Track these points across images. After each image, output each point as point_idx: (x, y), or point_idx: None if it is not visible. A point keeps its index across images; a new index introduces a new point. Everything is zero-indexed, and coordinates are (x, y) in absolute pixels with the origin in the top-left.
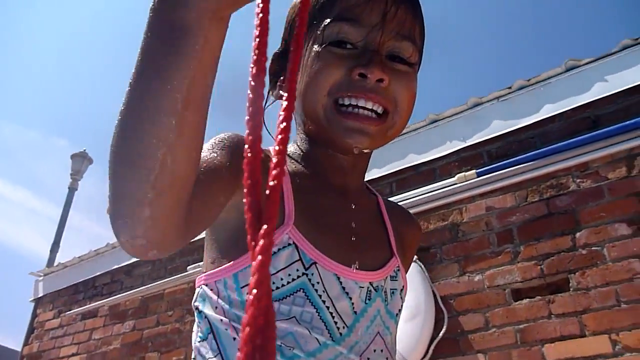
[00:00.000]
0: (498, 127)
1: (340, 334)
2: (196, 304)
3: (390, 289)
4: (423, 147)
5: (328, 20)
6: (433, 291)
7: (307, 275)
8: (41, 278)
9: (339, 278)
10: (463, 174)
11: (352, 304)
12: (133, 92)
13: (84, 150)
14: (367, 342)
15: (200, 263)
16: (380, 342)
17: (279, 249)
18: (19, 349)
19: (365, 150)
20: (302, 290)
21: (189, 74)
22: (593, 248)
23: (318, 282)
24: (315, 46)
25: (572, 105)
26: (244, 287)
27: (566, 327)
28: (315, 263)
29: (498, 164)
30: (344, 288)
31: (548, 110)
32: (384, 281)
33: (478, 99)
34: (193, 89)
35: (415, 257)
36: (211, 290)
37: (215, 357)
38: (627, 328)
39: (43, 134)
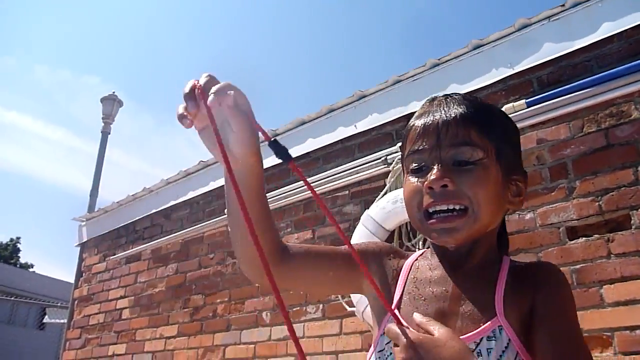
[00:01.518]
0: (549, 51)
1: None
2: None
3: (487, 349)
4: (466, 76)
5: (407, 153)
6: None
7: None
8: (84, 223)
9: None
10: (511, 104)
11: None
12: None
13: (113, 92)
14: None
15: None
16: None
17: (380, 337)
18: None
19: (458, 244)
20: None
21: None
22: None
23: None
24: (405, 175)
25: (634, 23)
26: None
27: (627, 267)
28: None
29: (550, 92)
30: None
31: (606, 30)
32: (475, 344)
33: (526, 20)
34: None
35: None
36: None
37: None
38: None
39: (74, 73)
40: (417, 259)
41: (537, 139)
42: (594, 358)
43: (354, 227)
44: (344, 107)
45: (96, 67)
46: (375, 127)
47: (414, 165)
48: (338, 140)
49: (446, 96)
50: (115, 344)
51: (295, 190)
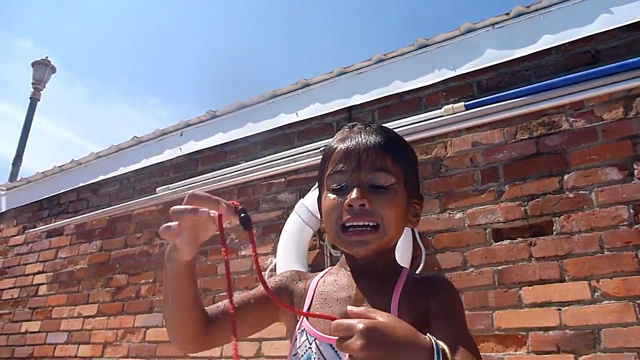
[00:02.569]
0: (491, 57)
1: None
2: None
3: None
4: (409, 74)
5: (327, 173)
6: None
7: (311, 348)
8: (4, 192)
9: (332, 346)
10: (451, 105)
11: None
12: (164, 300)
13: (46, 57)
14: None
15: (170, 185)
16: None
17: (298, 333)
18: None
19: (367, 255)
20: (309, 358)
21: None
22: (580, 192)
23: (316, 352)
24: (325, 192)
25: (572, 38)
26: None
27: (546, 271)
28: (315, 339)
29: (488, 97)
30: (336, 352)
31: (546, 42)
32: None
33: (472, 25)
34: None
35: None
36: None
37: None
38: (608, 275)
39: (6, 35)
40: (323, 277)
41: (472, 142)
42: (509, 356)
43: (288, 215)
44: (287, 93)
45: (30, 30)
46: (317, 116)
47: (335, 185)
48: (278, 127)
49: (365, 125)
50: (29, 320)
51: (230, 174)
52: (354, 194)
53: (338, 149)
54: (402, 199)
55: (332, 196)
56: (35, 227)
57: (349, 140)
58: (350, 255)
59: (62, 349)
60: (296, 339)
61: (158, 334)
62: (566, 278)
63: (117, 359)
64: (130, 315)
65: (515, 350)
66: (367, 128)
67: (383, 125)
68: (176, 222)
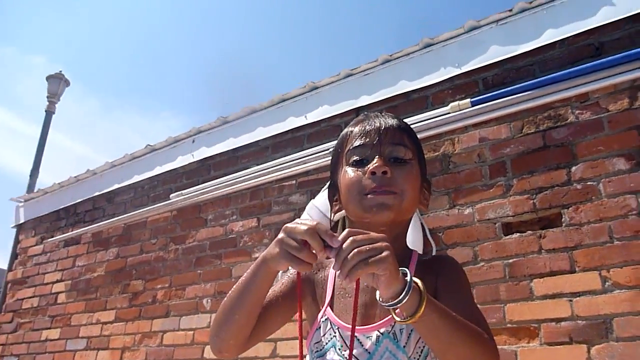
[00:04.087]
0: (495, 53)
1: None
2: None
3: (400, 329)
4: (415, 73)
5: (347, 149)
6: (422, 224)
7: (335, 337)
8: (22, 204)
9: (355, 335)
10: (457, 102)
11: (366, 349)
12: (232, 299)
13: (60, 71)
14: None
15: (184, 190)
16: None
17: (321, 321)
18: None
19: (387, 221)
20: (333, 346)
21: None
22: (588, 183)
23: (339, 341)
24: (345, 168)
25: (576, 31)
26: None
27: (556, 263)
28: (339, 329)
29: (494, 92)
30: (358, 340)
31: (550, 36)
32: (390, 327)
33: (476, 22)
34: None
35: None
36: None
37: None
38: (618, 265)
39: (19, 51)
40: None
41: (480, 138)
42: (522, 348)
43: (299, 216)
44: (295, 97)
45: (43, 46)
46: (325, 118)
47: (356, 157)
48: (288, 130)
49: (379, 112)
50: (49, 328)
51: (242, 178)
52: (376, 161)
53: (357, 129)
54: (417, 175)
55: (352, 169)
56: (53, 237)
57: (368, 121)
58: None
59: (81, 355)
60: (319, 327)
61: (176, 337)
62: (577, 269)
63: None
64: (147, 320)
65: (528, 342)
66: (383, 113)
67: None
68: (306, 260)
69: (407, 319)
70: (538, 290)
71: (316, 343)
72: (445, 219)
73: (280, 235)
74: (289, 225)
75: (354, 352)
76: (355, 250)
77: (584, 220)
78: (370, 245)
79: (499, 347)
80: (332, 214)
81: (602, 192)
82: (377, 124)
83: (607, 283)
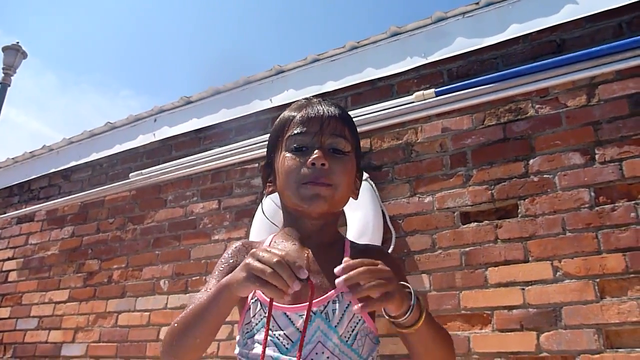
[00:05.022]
0: (461, 45)
1: (287, 348)
2: None
3: (332, 310)
4: (382, 61)
5: (288, 135)
6: (382, 210)
7: (265, 317)
8: None
9: (285, 313)
10: (422, 92)
11: (297, 328)
12: (190, 322)
13: (17, 42)
14: (310, 349)
15: (143, 170)
16: (321, 347)
17: (251, 303)
18: None
19: (320, 212)
20: (264, 326)
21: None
22: (545, 176)
23: (270, 320)
24: (284, 153)
25: (539, 27)
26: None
27: (511, 252)
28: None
29: (458, 84)
30: (289, 319)
31: (514, 31)
32: (323, 307)
33: (443, 14)
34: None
35: (367, 175)
36: None
37: None
38: (569, 256)
39: None
40: (272, 240)
41: (442, 128)
42: (474, 334)
43: (261, 200)
44: (261, 80)
45: None
46: (291, 103)
47: (296, 145)
48: (252, 113)
49: (321, 98)
50: None
51: (204, 159)
52: (316, 153)
53: (299, 115)
54: (353, 168)
55: (292, 155)
56: (5, 213)
57: (310, 107)
58: (299, 221)
59: (32, 334)
60: (249, 308)
61: (131, 318)
62: (530, 259)
63: (88, 343)
64: (102, 300)
65: (481, 329)
66: (325, 101)
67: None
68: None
69: (408, 328)
70: (492, 279)
71: (246, 324)
72: (405, 207)
73: (248, 260)
74: (257, 251)
75: (285, 331)
76: (372, 287)
77: (538, 212)
78: (381, 280)
79: (452, 333)
80: (266, 195)
81: (557, 185)
82: (320, 112)
83: (558, 273)
